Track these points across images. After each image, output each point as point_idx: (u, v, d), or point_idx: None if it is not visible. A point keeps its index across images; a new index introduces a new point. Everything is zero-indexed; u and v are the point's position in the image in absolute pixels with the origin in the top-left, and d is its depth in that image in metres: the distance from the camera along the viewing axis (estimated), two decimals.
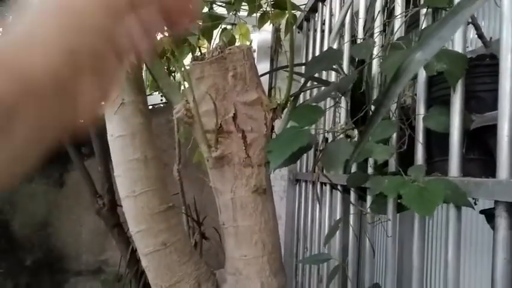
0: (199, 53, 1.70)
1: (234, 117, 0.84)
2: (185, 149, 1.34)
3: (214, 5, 1.74)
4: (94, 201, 1.66)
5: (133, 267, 1.56)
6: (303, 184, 1.83)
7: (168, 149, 1.97)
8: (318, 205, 1.52)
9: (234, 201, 0.84)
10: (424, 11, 0.85)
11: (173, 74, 1.50)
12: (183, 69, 0.80)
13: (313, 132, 1.50)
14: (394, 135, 0.87)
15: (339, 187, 1.24)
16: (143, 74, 0.91)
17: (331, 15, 1.53)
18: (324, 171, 1.16)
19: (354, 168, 1.06)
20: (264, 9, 1.36)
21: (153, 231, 0.80)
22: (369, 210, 0.97)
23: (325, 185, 1.40)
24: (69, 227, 2.25)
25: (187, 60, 1.66)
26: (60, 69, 0.27)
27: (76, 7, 0.28)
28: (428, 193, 0.65)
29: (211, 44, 1.72)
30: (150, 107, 2.27)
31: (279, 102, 0.87)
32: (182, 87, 0.89)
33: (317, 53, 1.67)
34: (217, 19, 1.68)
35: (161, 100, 2.05)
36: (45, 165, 2.29)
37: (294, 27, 1.92)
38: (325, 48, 1.52)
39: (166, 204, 0.83)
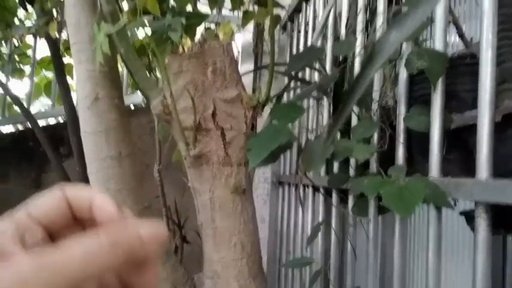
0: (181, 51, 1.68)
1: (213, 114, 0.82)
2: (166, 149, 1.30)
3: (197, 3, 1.71)
4: None
5: None
6: (286, 187, 1.81)
7: (149, 149, 1.93)
8: (300, 208, 1.50)
9: (213, 201, 0.82)
10: (406, 8, 0.84)
11: (153, 71, 1.47)
12: (160, 62, 0.78)
13: (296, 131, 1.49)
14: (376, 135, 0.86)
15: (321, 189, 1.23)
16: (119, 67, 0.88)
17: (314, 15, 1.52)
18: (306, 173, 1.14)
19: (336, 170, 1.05)
20: (247, 7, 1.34)
21: None
22: (350, 212, 0.96)
23: (308, 188, 1.39)
24: None
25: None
26: None
27: None
28: (408, 193, 0.64)
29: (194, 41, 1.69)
30: (132, 106, 2.23)
31: (259, 99, 0.85)
32: (160, 83, 0.87)
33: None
34: (201, 17, 1.65)
35: (143, 100, 2.02)
36: (21, 165, 2.23)
37: (278, 26, 1.91)
38: None
39: (142, 205, 0.80)
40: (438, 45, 0.73)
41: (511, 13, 0.64)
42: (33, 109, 2.44)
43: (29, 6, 1.42)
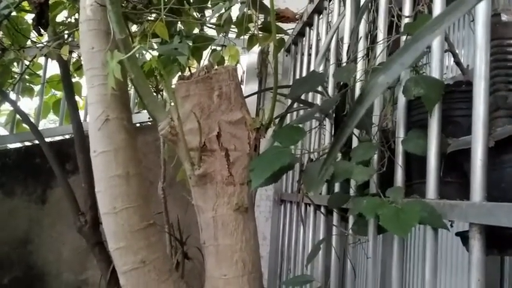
0: (188, 73, 1.72)
1: (218, 135, 0.85)
2: (170, 167, 1.34)
3: (204, 27, 1.77)
4: (76, 219, 1.64)
5: (113, 287, 1.53)
6: (288, 205, 1.83)
7: (154, 167, 1.96)
8: (302, 226, 1.52)
9: (216, 219, 0.84)
10: (404, 37, 0.88)
11: (161, 93, 1.52)
12: (168, 86, 0.81)
13: (298, 152, 1.52)
14: (375, 157, 0.89)
15: (322, 208, 1.25)
16: (129, 91, 0.92)
17: (318, 39, 1.57)
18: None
19: (337, 189, 1.07)
20: (252, 32, 1.39)
21: (132, 248, 0.80)
22: (350, 231, 0.98)
23: (310, 206, 1.41)
24: (50, 245, 2.20)
25: (176, 79, 1.68)
26: None
27: None
28: (405, 214, 0.66)
29: (201, 64, 1.74)
30: (138, 124, 2.27)
31: (263, 122, 0.88)
32: (168, 106, 0.90)
33: (304, 75, 1.70)
34: (207, 40, 1.70)
35: (149, 118, 2.06)
36: (28, 181, 2.26)
37: (282, 50, 1.96)
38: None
39: (147, 222, 0.83)
40: (434, 73, 0.76)
41: (503, 44, 0.68)
42: (41, 126, 2.49)
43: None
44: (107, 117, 0.81)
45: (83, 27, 0.84)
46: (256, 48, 2.11)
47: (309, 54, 1.68)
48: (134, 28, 1.70)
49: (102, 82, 0.80)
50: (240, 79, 2.28)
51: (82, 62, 0.89)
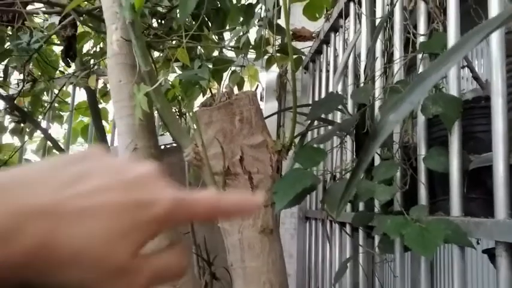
0: (209, 94, 1.77)
1: (241, 159, 0.88)
2: (196, 188, 1.36)
3: (224, 49, 1.82)
4: None
5: None
6: (313, 222, 1.83)
7: (179, 187, 2.00)
8: (328, 243, 1.52)
9: (242, 241, 0.86)
10: (420, 55, 0.89)
11: (184, 116, 1.56)
12: (191, 114, 0.85)
13: (321, 171, 1.53)
14: (398, 175, 0.90)
15: (347, 226, 1.25)
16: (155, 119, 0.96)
17: (335, 56, 1.59)
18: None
19: (361, 207, 1.08)
20: (270, 54, 1.42)
21: None
22: (377, 249, 0.98)
23: (335, 223, 1.41)
24: None
25: (199, 100, 1.72)
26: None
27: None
28: (429, 234, 0.67)
29: (221, 85, 1.79)
30: (163, 146, 2.33)
31: (284, 144, 0.91)
32: (191, 131, 0.94)
33: (323, 92, 1.72)
34: (227, 62, 1.75)
35: (173, 140, 2.11)
36: None
37: (300, 68, 1.99)
38: (331, 87, 1.57)
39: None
40: (452, 91, 0.77)
41: None
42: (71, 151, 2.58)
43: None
44: (135, 146, 0.85)
45: (111, 62, 0.89)
46: (275, 67, 2.15)
47: (327, 71, 1.70)
48: (156, 54, 1.76)
49: (130, 113, 0.84)
50: (260, 96, 2.32)
51: (110, 92, 0.94)
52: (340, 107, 1.20)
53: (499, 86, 0.65)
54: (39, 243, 0.24)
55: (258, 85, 1.76)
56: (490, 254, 0.73)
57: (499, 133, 0.64)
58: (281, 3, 1.02)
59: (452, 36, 0.78)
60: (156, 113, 1.77)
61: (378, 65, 1.06)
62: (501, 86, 0.65)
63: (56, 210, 0.25)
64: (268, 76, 2.27)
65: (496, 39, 0.65)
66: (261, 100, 2.36)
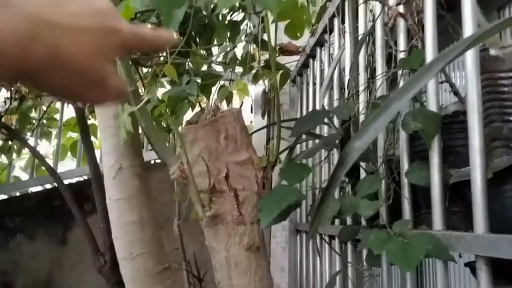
0: (198, 109, 1.78)
1: (227, 176, 0.88)
2: (184, 204, 1.36)
3: (212, 64, 1.83)
4: (96, 259, 1.67)
5: None
6: (304, 235, 1.84)
7: (169, 203, 2.00)
8: (318, 257, 1.52)
9: (228, 259, 0.86)
10: (400, 71, 0.91)
11: (172, 132, 1.57)
12: (177, 132, 0.86)
13: (310, 181, 1.54)
14: (383, 189, 0.91)
15: (336, 239, 1.26)
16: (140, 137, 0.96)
17: (321, 70, 1.61)
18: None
19: (349, 221, 1.09)
20: (256, 69, 1.44)
21: None
22: (364, 263, 0.99)
23: (325, 235, 1.42)
24: (71, 286, 2.23)
25: (188, 115, 1.73)
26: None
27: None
28: (411, 248, 0.67)
29: (210, 99, 1.80)
30: (152, 161, 2.32)
31: (268, 160, 0.91)
32: (177, 148, 0.94)
33: (310, 105, 1.74)
34: (215, 77, 1.76)
35: (159, 158, 2.10)
36: (48, 223, 2.31)
37: (288, 81, 2.01)
38: (318, 100, 1.59)
39: (162, 265, 0.85)
40: (431, 106, 0.79)
41: (493, 77, 0.70)
42: (60, 165, 2.57)
43: None
44: (120, 165, 0.85)
45: None
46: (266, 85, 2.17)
47: (314, 84, 1.73)
48: (145, 70, 1.77)
49: (115, 133, 0.85)
50: (250, 108, 2.33)
51: (95, 113, 0.94)
52: (326, 121, 1.22)
53: (474, 103, 0.67)
54: (49, 52, 0.29)
55: (242, 102, 1.77)
56: (472, 267, 0.74)
57: (475, 148, 0.66)
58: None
59: (429, 52, 0.80)
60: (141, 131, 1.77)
61: (362, 79, 1.08)
62: (476, 102, 0.66)
63: (58, 22, 0.29)
64: (258, 89, 2.29)
65: (470, 57, 0.67)
66: (250, 112, 2.37)
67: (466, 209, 0.80)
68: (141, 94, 0.93)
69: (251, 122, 2.38)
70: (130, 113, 0.80)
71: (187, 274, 1.44)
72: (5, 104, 1.80)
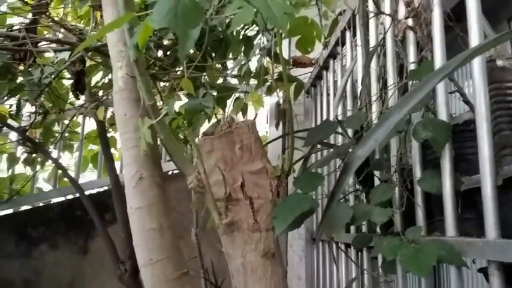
0: (215, 120, 1.82)
1: (242, 185, 0.91)
2: (201, 213, 1.40)
3: (227, 77, 1.88)
4: (116, 268, 1.71)
5: None
6: (320, 243, 1.85)
7: (187, 212, 2.03)
8: (335, 265, 1.53)
9: (245, 265, 0.89)
10: (411, 82, 0.93)
11: (189, 143, 1.61)
12: (194, 143, 0.89)
13: (324, 194, 1.56)
14: (396, 197, 0.92)
15: (352, 247, 1.27)
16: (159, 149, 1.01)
17: (334, 81, 1.64)
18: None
19: (364, 229, 1.10)
20: (270, 82, 1.48)
21: None
22: (380, 270, 1.00)
23: (341, 243, 1.43)
24: None
25: (205, 126, 1.77)
26: None
27: None
28: (423, 254, 0.69)
29: (226, 111, 1.84)
30: (170, 172, 2.37)
31: (283, 169, 0.94)
32: (194, 159, 0.98)
33: (324, 115, 1.76)
34: (230, 89, 1.81)
35: (177, 168, 2.15)
36: (70, 233, 2.37)
37: (303, 92, 2.04)
38: (332, 111, 1.62)
39: (181, 271, 0.88)
40: (441, 116, 0.80)
41: (501, 87, 0.71)
42: (81, 180, 2.64)
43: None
44: (140, 175, 0.89)
45: (117, 97, 0.94)
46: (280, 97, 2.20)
47: (328, 95, 1.75)
48: (162, 84, 1.83)
49: (135, 144, 0.89)
50: (266, 119, 2.36)
51: (117, 126, 0.99)
52: (340, 130, 1.24)
53: (483, 111, 0.68)
54: None
55: (257, 114, 1.81)
56: (485, 273, 0.75)
57: (485, 156, 0.67)
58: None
59: (438, 63, 0.82)
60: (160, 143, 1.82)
61: (374, 90, 1.10)
62: (485, 111, 0.68)
63: None
64: (272, 100, 2.33)
65: (477, 67, 0.69)
66: (266, 123, 2.41)
67: (478, 215, 0.81)
68: (160, 107, 0.97)
69: (266, 132, 2.42)
70: (149, 126, 0.84)
71: (205, 282, 1.47)
72: (30, 118, 1.87)
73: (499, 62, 0.70)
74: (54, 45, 1.41)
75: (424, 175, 0.85)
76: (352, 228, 1.25)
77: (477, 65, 0.69)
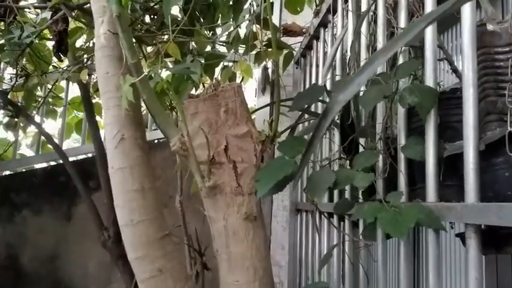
0: (202, 89, 1.79)
1: (226, 149, 0.90)
2: (185, 177, 1.39)
3: (216, 44, 1.84)
4: (100, 234, 1.71)
5: None
6: (304, 214, 1.87)
7: (173, 181, 2.02)
8: (317, 234, 1.55)
9: (227, 228, 0.89)
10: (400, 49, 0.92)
11: (175, 110, 1.58)
12: (177, 104, 0.87)
13: (310, 161, 1.56)
14: (380, 164, 0.92)
15: (335, 216, 1.28)
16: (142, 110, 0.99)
17: (324, 51, 1.62)
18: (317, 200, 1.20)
19: (347, 196, 1.11)
20: (259, 49, 1.45)
21: (149, 258, 0.85)
22: (361, 237, 1.01)
23: (324, 214, 1.44)
24: (76, 260, 2.29)
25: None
26: None
27: None
28: (402, 217, 0.69)
29: (213, 80, 1.81)
30: (156, 141, 2.35)
31: (268, 134, 0.93)
32: (179, 123, 0.96)
33: None
34: (219, 57, 1.77)
35: (160, 130, 2.13)
36: (54, 199, 2.36)
37: (292, 62, 2.01)
38: (320, 82, 1.60)
39: (163, 232, 0.88)
40: (428, 82, 0.80)
41: (490, 52, 0.71)
42: (65, 146, 2.60)
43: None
44: (122, 136, 0.87)
45: (98, 54, 0.91)
46: (270, 63, 2.17)
47: (317, 66, 1.73)
48: (149, 49, 1.78)
49: (117, 104, 0.87)
50: (255, 91, 2.33)
51: (98, 84, 0.96)
52: (326, 98, 1.23)
53: (469, 77, 0.68)
54: None
55: (243, 85, 1.78)
56: (462, 237, 0.76)
57: (469, 121, 0.67)
58: None
59: (429, 29, 0.81)
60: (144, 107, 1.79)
61: (363, 57, 1.09)
62: (472, 77, 0.67)
63: None
64: (260, 71, 2.30)
65: (467, 30, 0.68)
66: (255, 97, 2.38)
67: (459, 182, 0.82)
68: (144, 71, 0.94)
69: (254, 105, 2.39)
70: (132, 85, 0.82)
71: (188, 248, 1.48)
72: (11, 80, 1.82)
73: (490, 27, 0.69)
74: (35, 1, 1.35)
75: (408, 142, 0.85)
76: (336, 198, 1.26)
77: (467, 28, 0.68)
